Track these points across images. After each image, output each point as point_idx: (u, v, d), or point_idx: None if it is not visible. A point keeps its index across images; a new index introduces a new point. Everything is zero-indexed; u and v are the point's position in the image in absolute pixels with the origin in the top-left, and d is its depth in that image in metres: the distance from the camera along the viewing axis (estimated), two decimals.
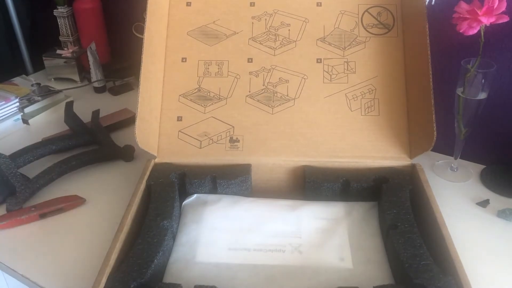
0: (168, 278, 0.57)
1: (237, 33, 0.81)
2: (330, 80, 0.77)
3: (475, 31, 0.67)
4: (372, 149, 0.74)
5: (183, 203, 0.68)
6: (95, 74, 1.12)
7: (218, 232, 0.63)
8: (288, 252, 0.60)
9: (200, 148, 0.75)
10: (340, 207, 0.67)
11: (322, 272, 0.57)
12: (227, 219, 0.65)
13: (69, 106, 0.99)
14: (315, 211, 0.66)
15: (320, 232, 0.63)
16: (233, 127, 0.76)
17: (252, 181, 0.72)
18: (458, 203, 0.75)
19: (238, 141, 0.75)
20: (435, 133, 0.67)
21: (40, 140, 0.90)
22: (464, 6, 0.67)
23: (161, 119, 0.77)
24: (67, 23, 1.19)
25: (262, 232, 0.63)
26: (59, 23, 1.19)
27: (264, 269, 0.58)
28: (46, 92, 1.09)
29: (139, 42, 0.74)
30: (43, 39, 1.30)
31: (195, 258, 0.59)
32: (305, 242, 0.61)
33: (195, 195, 0.70)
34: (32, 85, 1.11)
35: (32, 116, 1.02)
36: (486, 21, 0.66)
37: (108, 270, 0.54)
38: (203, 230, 0.63)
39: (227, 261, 0.59)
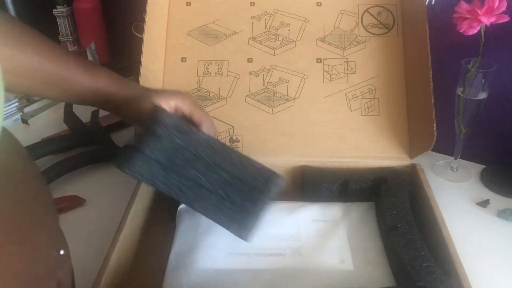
0: (167, 286, 0.56)
1: (237, 33, 0.81)
2: (330, 80, 0.77)
3: (475, 31, 0.67)
4: (372, 149, 0.73)
5: (178, 208, 0.67)
6: None
7: (217, 237, 0.62)
8: (288, 256, 0.59)
9: None
10: (338, 209, 0.67)
11: (323, 274, 0.57)
12: None
13: (68, 106, 0.99)
14: (313, 213, 0.66)
15: (319, 234, 0.63)
16: (233, 127, 0.76)
17: None
18: (458, 203, 0.75)
19: (238, 141, 0.75)
20: (435, 133, 0.67)
21: (39, 140, 0.90)
22: (464, 6, 0.67)
23: None
24: (67, 23, 1.18)
25: (261, 236, 0.62)
26: (58, 23, 1.19)
27: (265, 273, 0.57)
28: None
29: (139, 42, 0.74)
30: None
31: (194, 264, 0.58)
32: (305, 244, 0.61)
33: None
34: None
35: (32, 116, 1.01)
36: (487, 20, 0.66)
37: (108, 270, 0.54)
38: (201, 235, 0.62)
39: (227, 267, 0.58)
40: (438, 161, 0.84)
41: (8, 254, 0.30)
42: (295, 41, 0.79)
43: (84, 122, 0.95)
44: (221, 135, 0.75)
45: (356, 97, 0.76)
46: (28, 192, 0.35)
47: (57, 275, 0.37)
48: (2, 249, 0.29)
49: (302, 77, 0.78)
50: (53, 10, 1.17)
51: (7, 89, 0.35)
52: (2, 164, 0.30)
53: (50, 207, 0.40)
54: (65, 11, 1.17)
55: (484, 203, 0.74)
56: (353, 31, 0.79)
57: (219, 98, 0.77)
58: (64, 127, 0.97)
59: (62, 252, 0.38)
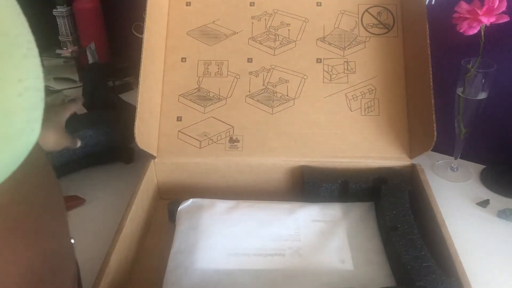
0: (167, 286, 0.56)
1: (237, 33, 0.80)
2: (330, 80, 0.77)
3: (475, 31, 0.67)
4: (372, 149, 0.73)
5: (178, 209, 0.67)
6: None
7: (216, 237, 0.62)
8: (288, 256, 0.59)
9: (200, 148, 0.75)
10: (338, 209, 0.67)
11: (323, 274, 0.57)
12: (225, 224, 0.64)
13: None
14: (312, 213, 0.66)
15: (319, 235, 0.63)
16: (233, 127, 0.76)
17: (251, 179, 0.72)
18: (458, 203, 0.75)
19: (238, 141, 0.75)
20: (435, 133, 0.67)
21: None
22: (464, 6, 0.67)
23: (161, 119, 0.77)
24: (67, 23, 1.18)
25: (261, 236, 0.62)
26: (58, 23, 1.19)
27: (265, 273, 0.57)
28: (45, 92, 1.09)
29: (139, 42, 0.73)
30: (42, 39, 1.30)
31: (194, 265, 0.58)
32: (304, 245, 0.61)
33: (190, 200, 0.68)
34: None
35: None
36: (486, 21, 0.66)
37: (108, 270, 0.54)
38: (201, 235, 0.62)
39: (227, 267, 0.58)
40: (438, 161, 0.84)
41: (38, 235, 0.32)
42: (295, 41, 0.79)
43: None
44: (221, 135, 0.75)
45: (356, 97, 0.76)
46: (47, 182, 0.37)
47: (74, 260, 0.39)
48: (33, 230, 0.31)
49: (302, 77, 0.78)
50: (53, 10, 1.17)
51: None
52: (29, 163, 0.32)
53: (61, 198, 0.43)
54: (65, 11, 1.17)
55: (484, 203, 0.74)
56: (353, 31, 0.79)
57: (219, 98, 0.77)
58: None
59: (72, 241, 0.40)
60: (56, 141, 0.65)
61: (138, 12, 0.97)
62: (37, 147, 0.35)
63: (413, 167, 0.72)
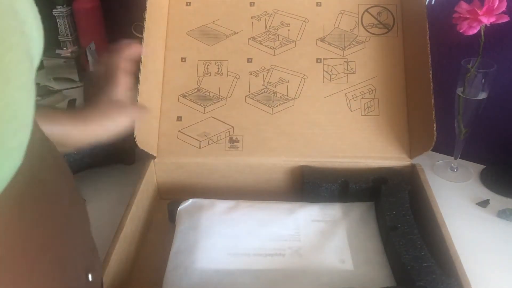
0: (167, 286, 0.56)
1: (237, 33, 0.80)
2: (330, 80, 0.77)
3: (475, 31, 0.67)
4: (372, 149, 0.73)
5: (178, 209, 0.67)
6: None
7: (217, 237, 0.62)
8: (288, 256, 0.60)
9: (200, 148, 0.75)
10: (338, 209, 0.67)
11: (323, 274, 0.57)
12: (225, 224, 0.64)
13: (71, 104, 0.99)
14: (312, 213, 0.66)
15: (319, 235, 0.63)
16: (233, 127, 0.76)
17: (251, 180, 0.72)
18: (458, 203, 0.75)
19: (238, 141, 0.75)
20: (435, 133, 0.67)
21: None
22: (464, 6, 0.67)
23: (161, 119, 0.77)
24: (67, 23, 1.18)
25: (261, 236, 0.62)
26: (58, 23, 1.19)
27: (265, 273, 0.57)
28: (45, 92, 1.09)
29: (139, 42, 0.73)
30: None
31: (194, 265, 0.58)
32: (304, 245, 0.61)
33: (190, 200, 0.68)
34: None
35: None
36: (486, 21, 0.66)
37: (108, 270, 0.54)
38: (201, 235, 0.62)
39: (227, 267, 0.58)
40: (438, 161, 0.84)
41: (38, 276, 0.28)
42: (295, 41, 0.79)
43: None
44: (221, 135, 0.75)
45: (356, 97, 0.76)
46: (65, 202, 0.33)
47: None
48: (34, 269, 0.27)
49: (302, 77, 0.78)
50: (53, 10, 1.17)
51: None
52: (39, 173, 0.28)
53: (85, 216, 0.37)
54: (65, 11, 1.17)
55: (484, 203, 0.74)
56: (353, 31, 0.79)
57: (219, 98, 0.77)
58: None
59: (90, 277, 0.35)
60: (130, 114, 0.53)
61: (138, 12, 0.97)
62: (53, 150, 0.33)
63: (413, 167, 0.72)
